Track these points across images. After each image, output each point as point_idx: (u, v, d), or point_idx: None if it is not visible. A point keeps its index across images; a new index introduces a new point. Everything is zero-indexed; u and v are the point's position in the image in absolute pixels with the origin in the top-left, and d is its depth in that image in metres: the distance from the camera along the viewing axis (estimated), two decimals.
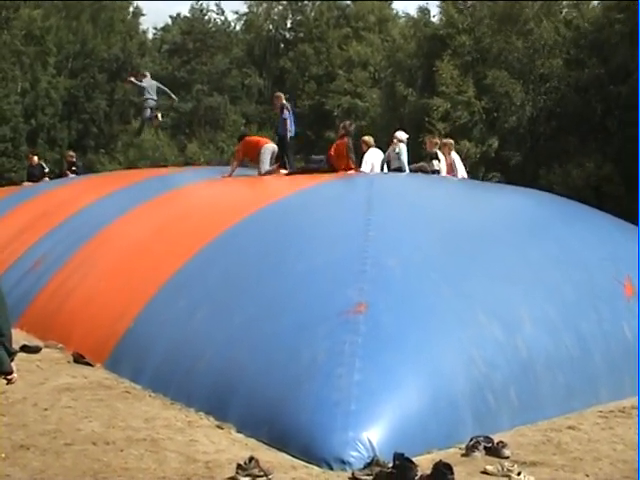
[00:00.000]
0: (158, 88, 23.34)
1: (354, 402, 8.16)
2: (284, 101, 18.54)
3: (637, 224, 15.43)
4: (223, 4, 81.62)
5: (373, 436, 7.95)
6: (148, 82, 23.63)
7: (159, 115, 23.27)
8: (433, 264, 10.38)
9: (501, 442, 8.26)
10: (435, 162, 17.57)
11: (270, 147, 17.22)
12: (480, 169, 35.47)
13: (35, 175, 24.59)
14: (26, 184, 24.24)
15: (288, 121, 18.01)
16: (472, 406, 8.75)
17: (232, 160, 19.52)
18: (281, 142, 18.10)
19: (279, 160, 17.47)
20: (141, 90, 23.21)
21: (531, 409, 9.31)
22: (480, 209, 13.44)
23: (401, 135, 17.71)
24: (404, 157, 17.15)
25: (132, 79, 23.68)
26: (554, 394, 9.70)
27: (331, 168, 15.73)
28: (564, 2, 39.82)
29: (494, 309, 9.93)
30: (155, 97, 23.49)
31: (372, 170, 16.33)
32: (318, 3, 62.47)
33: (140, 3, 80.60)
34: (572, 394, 9.89)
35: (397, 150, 17.26)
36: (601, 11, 37.24)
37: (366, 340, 8.77)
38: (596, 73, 35.23)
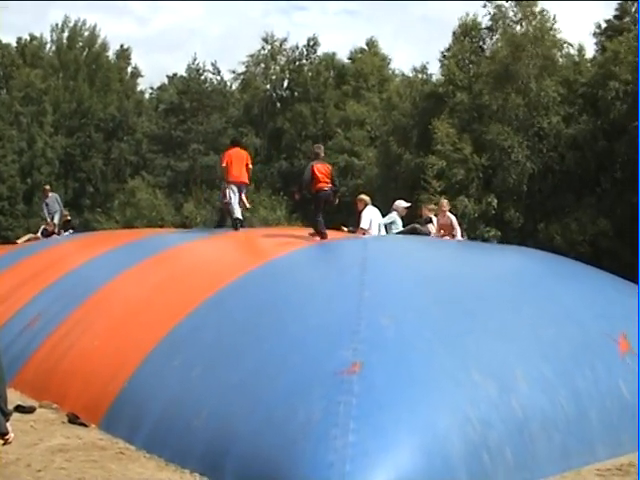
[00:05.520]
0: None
1: (349, 463, 8.09)
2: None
3: (636, 280, 15.48)
4: (219, 64, 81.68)
5: None
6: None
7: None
8: (427, 323, 10.40)
9: None
10: (430, 226, 17.76)
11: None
12: (479, 226, 35.64)
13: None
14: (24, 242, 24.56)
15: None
16: (467, 466, 8.68)
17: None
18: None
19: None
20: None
21: (527, 469, 9.24)
22: (474, 268, 13.48)
23: (397, 204, 17.86)
24: (395, 228, 17.34)
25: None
26: (550, 453, 9.64)
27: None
28: (562, 60, 40.21)
29: (489, 368, 9.91)
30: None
31: (371, 226, 16.38)
32: (316, 62, 62.98)
33: (138, 63, 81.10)
34: (569, 453, 9.83)
35: (391, 220, 17.43)
36: (595, 67, 37.66)
37: (360, 400, 8.74)
38: (590, 129, 35.56)
